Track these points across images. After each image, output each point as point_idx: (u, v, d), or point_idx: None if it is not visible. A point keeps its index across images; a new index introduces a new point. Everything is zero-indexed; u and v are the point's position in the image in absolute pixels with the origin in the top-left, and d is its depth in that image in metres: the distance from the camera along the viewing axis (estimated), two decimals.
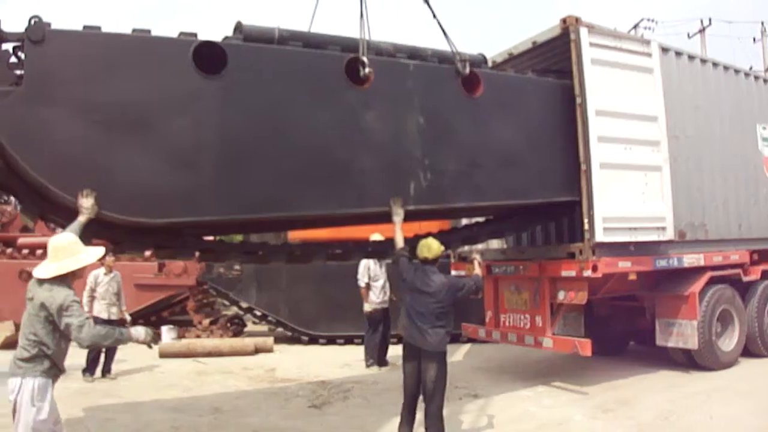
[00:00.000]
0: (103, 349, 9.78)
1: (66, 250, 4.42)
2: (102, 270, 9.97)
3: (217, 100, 5.79)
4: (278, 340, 13.26)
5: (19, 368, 4.19)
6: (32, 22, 5.06)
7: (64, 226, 5.25)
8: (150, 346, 4.70)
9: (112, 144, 5.33)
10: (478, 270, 6.73)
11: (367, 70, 6.35)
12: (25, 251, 14.68)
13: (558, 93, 8.17)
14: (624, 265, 8.29)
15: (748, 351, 9.84)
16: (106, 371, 9.89)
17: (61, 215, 5.69)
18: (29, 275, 13.89)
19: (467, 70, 7.12)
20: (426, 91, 6.88)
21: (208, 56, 5.68)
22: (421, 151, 6.80)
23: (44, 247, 14.64)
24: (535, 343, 8.63)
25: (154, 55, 5.59)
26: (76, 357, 10.52)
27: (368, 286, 10.59)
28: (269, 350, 12.46)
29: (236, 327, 14.38)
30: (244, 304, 13.52)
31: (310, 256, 7.57)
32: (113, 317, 9.86)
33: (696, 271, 9.14)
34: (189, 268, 13.82)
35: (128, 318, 10.35)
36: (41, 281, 4.31)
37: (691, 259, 9.04)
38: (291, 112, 6.16)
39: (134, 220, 5.49)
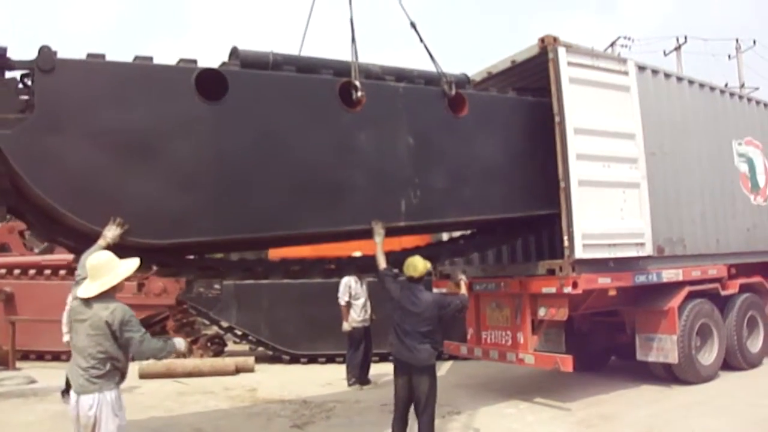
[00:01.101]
0: None
1: (104, 267, 4.63)
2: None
3: (219, 125, 6.01)
4: (259, 359, 13.17)
5: (93, 384, 4.42)
6: (42, 51, 5.21)
7: (73, 249, 5.47)
8: (185, 356, 5.04)
9: (121, 168, 5.53)
10: (464, 290, 6.85)
11: (359, 93, 6.65)
12: (2, 271, 14.47)
13: (537, 111, 8.31)
14: (604, 281, 8.33)
15: (727, 364, 9.94)
16: None
17: (71, 238, 5.77)
18: (7, 296, 13.82)
19: (453, 92, 7.41)
20: (414, 112, 7.19)
21: (209, 82, 5.86)
22: (411, 170, 7.12)
23: (21, 266, 14.53)
24: (516, 360, 8.65)
25: (159, 82, 5.80)
26: (54, 378, 10.43)
27: (349, 305, 10.58)
28: (250, 370, 12.38)
29: (217, 347, 14.25)
30: (224, 324, 13.43)
31: (306, 271, 7.86)
32: None
33: (675, 286, 9.21)
34: (168, 287, 13.71)
35: None
36: (88, 301, 4.53)
37: (670, 274, 9.11)
38: (289, 134, 6.39)
39: (142, 241, 5.57)
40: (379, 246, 6.65)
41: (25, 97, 5.28)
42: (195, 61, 6.05)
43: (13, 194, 5.54)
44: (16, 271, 14.44)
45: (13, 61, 5.27)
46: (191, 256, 7.08)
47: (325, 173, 6.63)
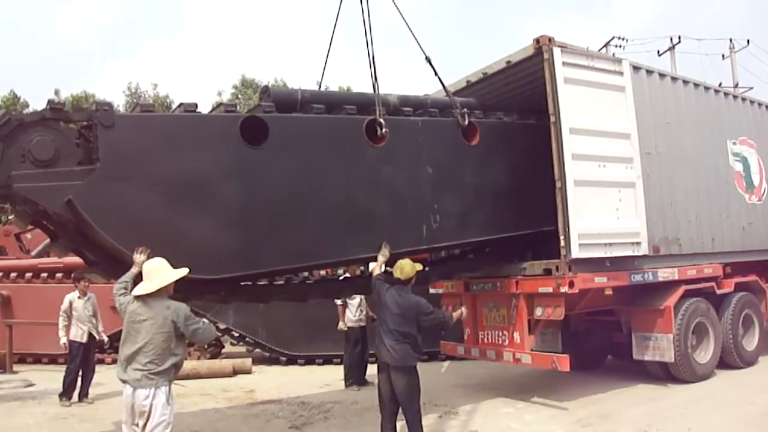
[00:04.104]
0: (80, 373, 9.69)
1: (160, 269, 5.19)
2: (76, 293, 9.86)
3: (263, 167, 6.51)
4: (256, 361, 13.22)
5: (150, 380, 4.94)
6: (103, 109, 5.72)
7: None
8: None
9: (178, 212, 6.01)
10: (456, 315, 7.00)
11: (384, 130, 7.17)
12: None
13: (540, 133, 8.49)
14: (600, 280, 8.37)
15: (723, 363, 9.98)
16: (83, 395, 9.77)
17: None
18: (4, 299, 13.79)
19: (466, 122, 7.92)
20: (432, 143, 7.79)
21: (251, 128, 6.40)
22: (431, 197, 7.71)
23: (18, 269, 14.48)
24: (513, 360, 8.67)
25: (207, 130, 6.35)
26: (52, 381, 10.43)
27: (345, 305, 10.63)
28: (248, 371, 12.42)
29: (214, 348, 14.23)
30: (221, 326, 13.39)
31: (339, 290, 8.98)
32: (93, 339, 9.76)
33: (671, 285, 9.24)
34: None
35: (106, 339, 10.26)
36: (147, 303, 5.07)
37: (666, 274, 9.15)
38: (322, 171, 6.94)
39: (199, 277, 5.89)
40: (379, 262, 6.95)
41: (78, 143, 5.72)
42: (235, 106, 6.85)
43: (79, 239, 6.03)
44: (13, 274, 14.42)
45: (72, 113, 5.87)
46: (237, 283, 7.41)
47: (355, 205, 7.15)
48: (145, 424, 4.95)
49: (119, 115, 5.93)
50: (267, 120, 6.54)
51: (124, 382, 5.00)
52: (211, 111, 7.00)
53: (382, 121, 7.18)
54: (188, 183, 6.06)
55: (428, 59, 7.91)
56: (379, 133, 7.17)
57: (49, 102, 5.64)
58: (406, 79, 63.81)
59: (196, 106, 6.38)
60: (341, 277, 10.14)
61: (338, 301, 10.59)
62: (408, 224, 7.53)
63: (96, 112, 5.69)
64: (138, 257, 5.39)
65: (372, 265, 7.38)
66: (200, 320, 5.27)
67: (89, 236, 5.87)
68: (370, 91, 7.42)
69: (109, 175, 5.64)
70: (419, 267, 6.63)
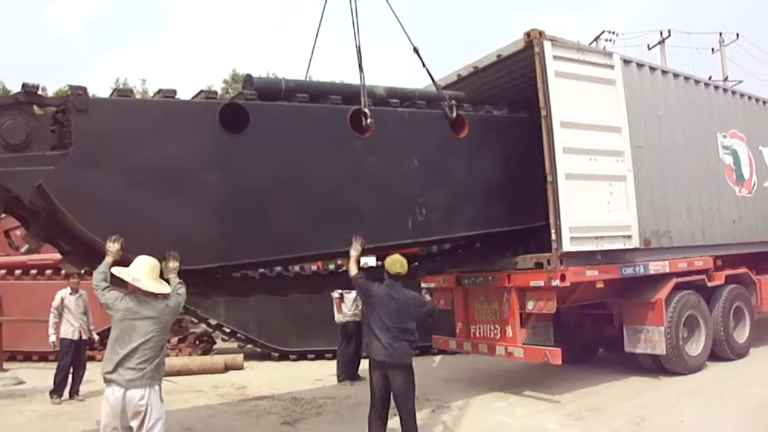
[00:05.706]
0: (71, 370, 9.63)
1: (157, 271, 5.27)
2: (68, 290, 9.81)
3: (243, 155, 6.34)
4: (248, 356, 13.20)
5: (148, 379, 4.93)
6: (77, 93, 5.52)
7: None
8: None
9: (154, 200, 5.80)
10: (429, 298, 7.04)
11: (369, 120, 7.02)
12: None
13: (531, 127, 8.48)
14: (591, 273, 8.39)
15: (714, 355, 10.02)
16: (74, 392, 9.71)
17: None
18: None
19: (454, 114, 7.79)
20: (419, 135, 7.62)
21: (231, 115, 6.23)
22: (417, 190, 7.54)
23: (7, 266, 14.35)
24: (506, 353, 8.67)
25: (186, 117, 6.18)
26: (42, 379, 10.38)
27: (341, 297, 10.62)
28: (239, 367, 12.41)
29: (205, 344, 14.24)
30: (212, 321, 13.35)
31: (324, 285, 8.67)
32: (83, 336, 9.72)
33: (662, 277, 9.28)
34: None
35: (96, 337, 10.20)
36: (143, 300, 5.04)
37: (657, 266, 9.18)
38: (305, 161, 6.77)
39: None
40: (352, 258, 6.75)
41: (52, 128, 5.56)
42: (215, 93, 6.71)
43: (52, 227, 5.78)
44: (2, 272, 14.35)
45: (45, 98, 5.73)
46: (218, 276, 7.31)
47: (339, 196, 6.99)
48: (140, 425, 4.89)
49: (94, 99, 5.74)
50: (247, 107, 6.39)
51: (111, 383, 4.89)
52: (192, 98, 6.82)
53: (367, 110, 7.04)
54: (164, 170, 5.88)
55: (416, 50, 7.80)
56: (364, 123, 7.03)
57: (23, 86, 5.43)
58: (398, 75, 63.76)
59: (174, 92, 6.19)
60: (339, 270, 10.07)
61: (335, 294, 10.59)
62: (392, 217, 7.37)
63: (70, 96, 5.52)
64: (111, 246, 5.23)
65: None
66: (177, 291, 5.32)
67: (62, 224, 5.67)
68: (357, 83, 7.28)
69: (82, 160, 5.45)
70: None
